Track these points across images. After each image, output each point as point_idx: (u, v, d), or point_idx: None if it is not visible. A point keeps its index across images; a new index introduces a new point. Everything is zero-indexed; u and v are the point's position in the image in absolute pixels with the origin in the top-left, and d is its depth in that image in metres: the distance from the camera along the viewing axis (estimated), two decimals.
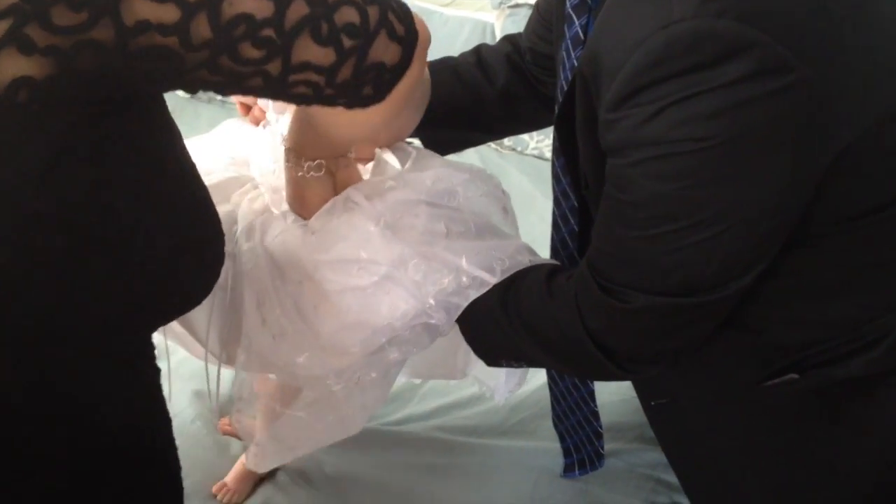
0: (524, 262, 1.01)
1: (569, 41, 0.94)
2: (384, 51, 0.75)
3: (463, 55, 1.26)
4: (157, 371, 0.90)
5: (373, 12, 0.73)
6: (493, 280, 0.98)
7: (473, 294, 0.98)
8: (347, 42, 0.72)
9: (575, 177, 1.00)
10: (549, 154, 2.26)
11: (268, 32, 0.67)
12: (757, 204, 0.77)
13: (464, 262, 0.98)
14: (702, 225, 0.78)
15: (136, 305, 0.78)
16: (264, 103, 1.18)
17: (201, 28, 0.64)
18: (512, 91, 1.23)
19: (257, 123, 1.20)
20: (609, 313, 0.86)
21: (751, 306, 0.90)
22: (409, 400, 1.63)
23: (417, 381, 1.59)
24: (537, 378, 1.57)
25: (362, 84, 0.76)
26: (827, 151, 0.78)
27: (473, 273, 0.98)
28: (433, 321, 0.99)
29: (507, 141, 2.38)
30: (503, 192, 1.14)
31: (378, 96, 0.78)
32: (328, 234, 1.00)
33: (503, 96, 1.23)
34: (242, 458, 1.43)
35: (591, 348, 0.88)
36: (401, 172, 1.07)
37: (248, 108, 1.22)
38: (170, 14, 0.63)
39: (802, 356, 0.92)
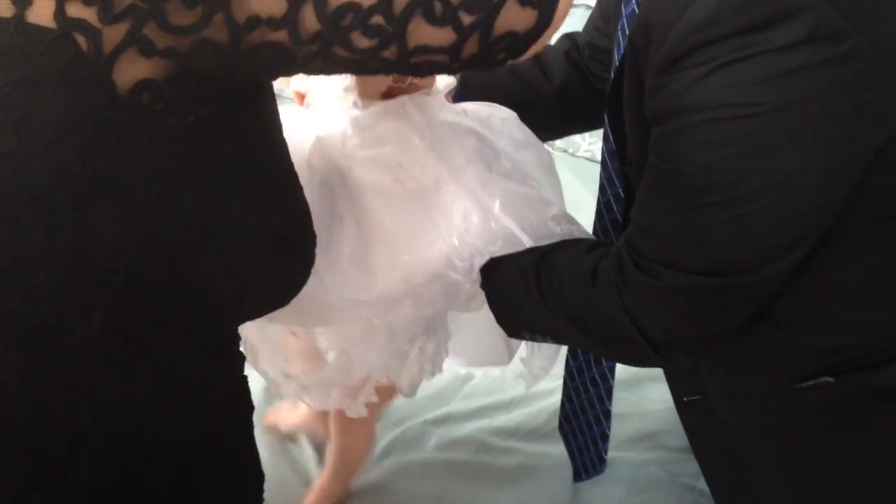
0: (556, 232, 0.98)
1: (624, 20, 0.92)
2: (515, 19, 0.67)
3: None
4: (243, 359, 0.91)
5: None
6: (522, 238, 0.95)
7: (500, 250, 0.95)
8: (467, 18, 0.66)
9: (623, 162, 0.98)
10: (600, 156, 2.24)
11: (377, 20, 0.64)
12: (801, 180, 0.75)
13: (496, 207, 0.95)
14: (742, 199, 0.75)
15: (234, 302, 0.80)
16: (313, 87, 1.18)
17: (308, 20, 0.63)
18: (570, 87, 1.21)
19: None
20: (642, 292, 0.84)
21: (789, 304, 0.88)
22: (451, 399, 1.62)
23: (475, 372, 1.56)
24: None
25: (492, 54, 0.70)
26: (879, 133, 0.75)
27: (504, 221, 0.95)
28: (454, 275, 0.96)
29: (558, 142, 2.36)
30: (548, 152, 1.12)
31: (511, 58, 0.71)
32: (372, 137, 0.98)
33: (561, 93, 1.21)
34: (319, 483, 1.40)
35: (630, 330, 0.86)
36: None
37: (303, 97, 1.22)
38: (277, 6, 0.62)
39: (839, 359, 0.90)
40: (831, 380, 0.90)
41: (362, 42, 0.65)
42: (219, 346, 0.85)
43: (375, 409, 1.34)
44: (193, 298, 0.76)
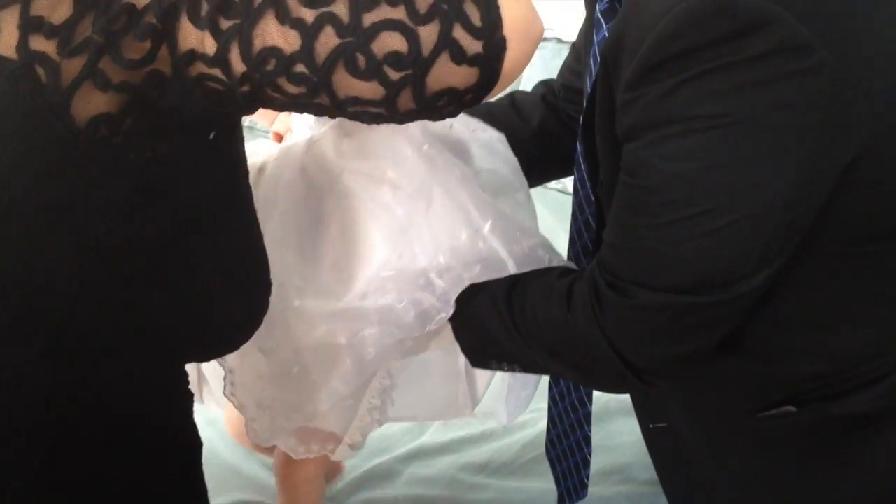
0: (543, 259, 0.97)
1: (596, 46, 0.92)
2: (451, 76, 0.64)
3: (497, 99, 1.26)
4: (190, 395, 0.89)
5: (428, 34, 0.62)
6: (508, 264, 0.94)
7: (479, 275, 0.93)
8: (394, 74, 0.62)
9: (595, 186, 0.98)
10: (572, 188, 2.25)
11: (300, 69, 0.63)
12: (771, 193, 0.75)
13: (487, 227, 0.93)
14: (713, 213, 0.75)
15: (180, 343, 0.80)
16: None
17: (236, 61, 0.63)
18: (547, 129, 1.22)
19: None
20: (617, 312, 0.83)
21: (754, 332, 0.88)
22: (422, 433, 1.61)
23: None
24: None
25: (435, 109, 0.66)
26: (846, 149, 0.76)
27: (491, 243, 0.93)
28: (431, 298, 0.93)
29: None
30: (524, 179, 1.11)
31: (463, 109, 0.68)
32: (363, 146, 0.95)
33: (538, 135, 1.22)
34: None
35: (608, 353, 0.85)
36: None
37: (281, 138, 1.21)
38: (209, 44, 0.62)
39: (803, 388, 0.90)
40: (793, 409, 0.90)
41: (290, 88, 0.64)
42: (164, 384, 0.84)
43: (322, 464, 1.30)
44: (139, 335, 0.75)
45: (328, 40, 0.62)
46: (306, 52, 0.62)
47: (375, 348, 0.97)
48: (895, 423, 0.88)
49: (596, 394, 1.50)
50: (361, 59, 0.62)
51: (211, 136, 0.72)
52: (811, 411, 0.90)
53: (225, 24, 0.62)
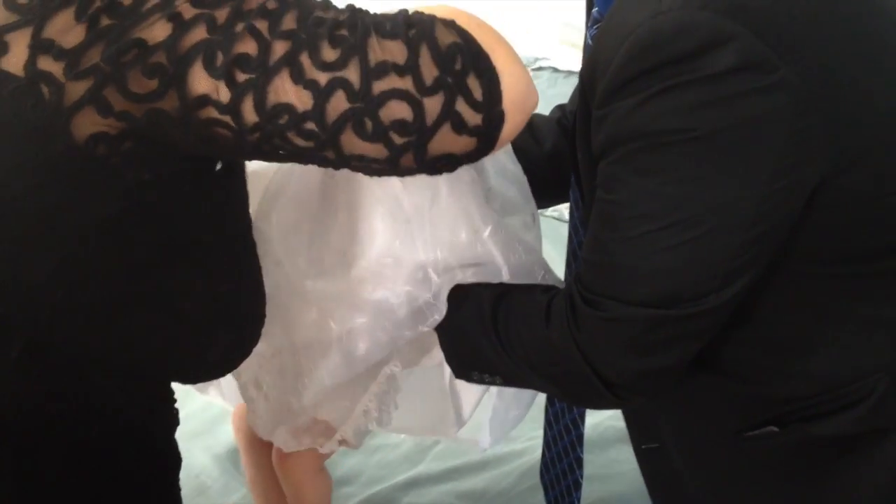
0: (537, 276, 0.98)
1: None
2: (452, 144, 0.68)
3: None
4: (175, 414, 0.90)
5: (432, 105, 0.66)
6: (501, 270, 0.95)
7: (471, 276, 0.94)
8: (398, 139, 0.66)
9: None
10: (568, 215, 2.25)
11: (310, 126, 0.66)
12: (738, 207, 0.76)
13: (486, 233, 0.95)
14: (681, 225, 0.76)
15: (165, 363, 0.81)
16: None
17: (248, 112, 0.65)
18: (560, 152, 1.23)
19: None
20: (591, 325, 0.84)
21: (738, 354, 0.89)
22: (420, 461, 1.61)
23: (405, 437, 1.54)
24: None
25: (433, 169, 0.71)
26: (815, 166, 0.77)
27: (489, 247, 0.95)
28: (426, 294, 0.94)
29: None
30: (532, 201, 1.11)
31: (459, 167, 0.72)
32: None
33: (551, 157, 1.23)
34: None
35: (583, 366, 0.85)
36: None
37: None
38: (223, 93, 0.64)
39: (787, 409, 0.90)
40: (776, 430, 0.91)
41: (299, 141, 0.67)
42: (145, 402, 0.84)
43: (319, 455, 1.29)
44: (120, 353, 0.76)
45: (339, 103, 0.65)
46: (317, 112, 0.65)
47: (366, 343, 0.98)
48: (876, 445, 0.89)
49: (592, 422, 1.52)
50: (369, 124, 0.65)
51: (217, 167, 0.73)
52: (793, 432, 0.90)
53: (241, 76, 0.64)
